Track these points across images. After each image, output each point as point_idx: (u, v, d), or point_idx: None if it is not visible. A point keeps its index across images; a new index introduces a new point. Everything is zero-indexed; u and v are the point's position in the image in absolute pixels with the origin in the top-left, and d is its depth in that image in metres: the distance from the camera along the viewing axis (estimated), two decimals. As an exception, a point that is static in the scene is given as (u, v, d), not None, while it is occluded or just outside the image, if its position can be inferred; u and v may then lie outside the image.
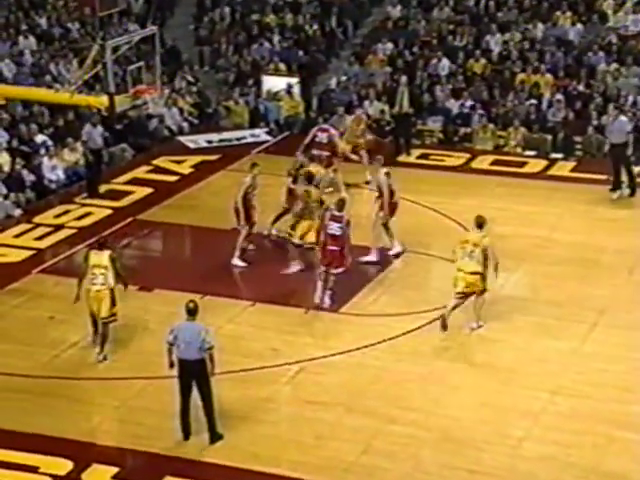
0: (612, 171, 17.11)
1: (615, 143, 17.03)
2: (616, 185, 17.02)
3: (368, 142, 18.10)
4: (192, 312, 10.33)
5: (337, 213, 13.24)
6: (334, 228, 13.21)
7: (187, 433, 10.42)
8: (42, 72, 21.20)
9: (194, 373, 10.24)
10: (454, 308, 12.48)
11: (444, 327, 12.40)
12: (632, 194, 17.00)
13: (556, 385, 11.45)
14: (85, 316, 13.15)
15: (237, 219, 14.33)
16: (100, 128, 17.53)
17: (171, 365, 10.37)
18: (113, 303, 11.78)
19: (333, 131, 16.85)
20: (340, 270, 13.30)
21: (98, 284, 11.68)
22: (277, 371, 11.74)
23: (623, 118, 17.30)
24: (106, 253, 11.82)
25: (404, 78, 19.85)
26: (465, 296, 12.46)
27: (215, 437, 10.43)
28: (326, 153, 16.33)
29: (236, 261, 14.37)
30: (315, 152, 16.19)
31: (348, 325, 12.89)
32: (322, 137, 16.50)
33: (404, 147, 19.45)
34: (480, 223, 12.54)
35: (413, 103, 19.52)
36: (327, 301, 13.21)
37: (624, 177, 17.08)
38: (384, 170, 14.88)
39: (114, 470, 10.06)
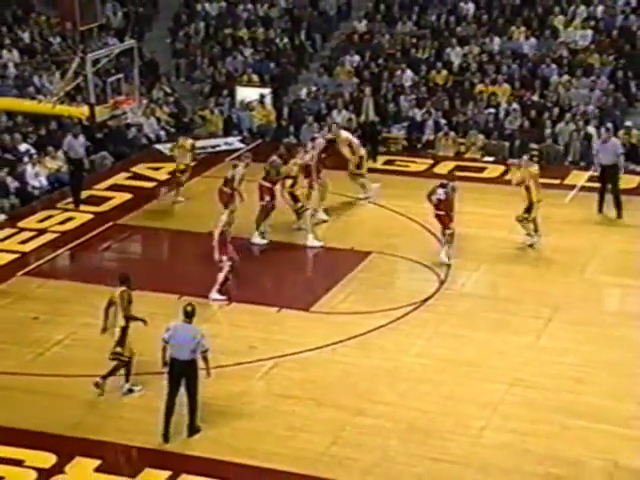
0: (598, 192, 16.42)
1: (605, 165, 16.35)
2: (601, 206, 16.35)
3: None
4: (189, 315, 10.29)
5: (444, 182, 14.56)
6: (440, 193, 14.19)
7: (167, 436, 10.29)
8: (25, 84, 21.02)
9: (184, 373, 10.20)
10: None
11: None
12: (619, 216, 16.19)
13: (514, 377, 11.54)
14: (68, 316, 13.11)
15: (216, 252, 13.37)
16: (82, 139, 17.31)
17: (165, 364, 10.27)
18: (120, 342, 10.96)
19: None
20: (449, 232, 14.32)
21: (115, 321, 11.02)
22: (252, 367, 11.73)
23: (615, 140, 16.62)
24: (119, 290, 11.00)
25: (368, 89, 19.93)
26: None
27: (193, 431, 10.40)
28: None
29: (214, 295, 13.39)
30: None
31: (319, 323, 12.91)
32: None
33: (371, 154, 19.49)
34: None
35: (379, 112, 19.58)
36: (444, 258, 14.31)
37: (609, 198, 16.24)
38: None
39: (97, 463, 10.00)
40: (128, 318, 10.97)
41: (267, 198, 15.23)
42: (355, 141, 17.15)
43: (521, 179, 15.00)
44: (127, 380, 11.16)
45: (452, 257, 14.54)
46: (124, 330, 10.96)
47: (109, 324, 11.08)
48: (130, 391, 11.14)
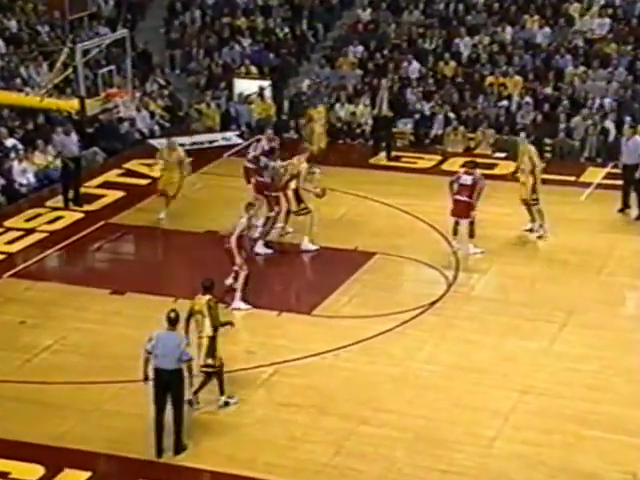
0: (622, 191, 16.56)
1: (627, 164, 16.44)
2: (625, 206, 16.51)
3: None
4: (173, 322, 10.25)
5: (470, 170, 14.74)
6: (466, 179, 14.43)
7: (160, 450, 10.26)
8: (12, 76, 21.03)
9: (169, 383, 10.18)
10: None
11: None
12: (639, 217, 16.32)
13: (526, 385, 11.55)
14: (57, 320, 13.13)
15: (231, 260, 13.27)
16: (74, 136, 17.22)
17: (146, 378, 10.21)
18: (210, 353, 10.76)
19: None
20: (466, 220, 14.46)
21: (198, 332, 10.76)
22: (251, 373, 11.75)
23: (638, 138, 16.55)
24: (205, 298, 10.78)
25: (384, 81, 19.94)
26: None
27: (180, 448, 10.34)
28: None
29: (238, 304, 13.27)
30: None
31: (321, 327, 12.92)
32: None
33: (385, 150, 19.53)
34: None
35: (393, 106, 19.59)
36: (471, 249, 14.67)
37: (633, 198, 16.43)
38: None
39: (86, 475, 10.01)
40: (217, 327, 10.78)
41: (277, 209, 15.15)
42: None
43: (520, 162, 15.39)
44: (222, 392, 11.00)
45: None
46: (212, 340, 10.75)
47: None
48: (226, 404, 11.01)
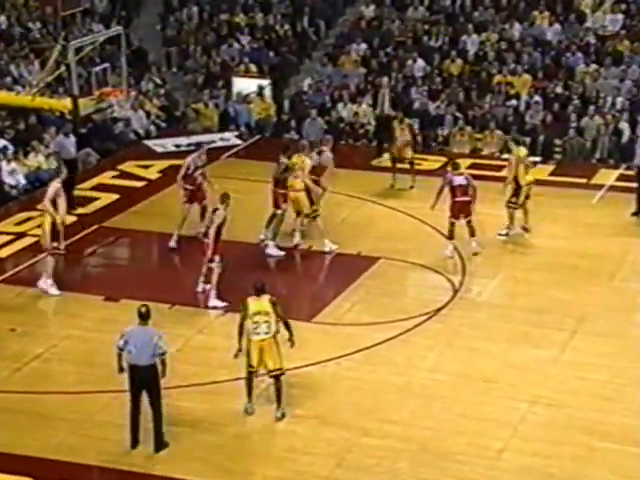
0: (636, 194, 16.49)
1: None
2: (639, 209, 16.45)
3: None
4: (144, 316, 10.37)
5: (456, 171, 14.99)
6: (459, 180, 14.69)
7: (135, 441, 10.44)
8: (2, 74, 21.08)
9: (145, 379, 10.29)
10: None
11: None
12: None
13: (535, 395, 11.55)
14: (48, 328, 13.14)
15: (206, 254, 13.46)
16: (72, 138, 17.22)
17: (121, 370, 10.41)
18: (278, 353, 10.90)
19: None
20: (469, 219, 14.78)
21: (261, 333, 10.79)
22: (249, 383, 11.74)
23: None
24: (266, 298, 10.90)
25: (385, 79, 19.97)
26: None
27: (161, 446, 10.45)
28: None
29: (214, 302, 13.50)
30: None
31: (322, 335, 12.93)
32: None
33: (387, 151, 19.52)
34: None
35: (395, 105, 19.61)
36: (476, 247, 14.85)
37: None
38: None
39: (79, 488, 10.04)
40: (287, 324, 10.97)
41: (284, 206, 15.20)
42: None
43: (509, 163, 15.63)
44: (280, 402, 11.06)
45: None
46: (277, 339, 10.93)
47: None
48: (284, 415, 11.08)
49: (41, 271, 14.07)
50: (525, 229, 15.66)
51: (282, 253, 15.17)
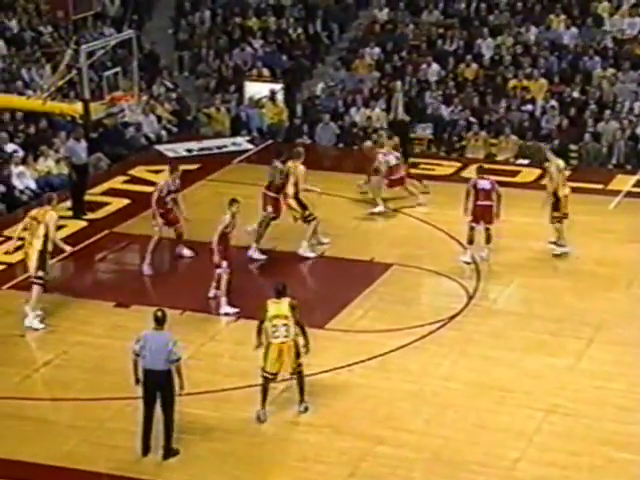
0: None
1: None
2: None
3: None
4: (160, 321, 10.40)
5: (484, 175, 14.98)
6: (483, 184, 14.59)
7: (146, 448, 10.46)
8: (13, 78, 21.19)
9: (159, 384, 10.30)
10: None
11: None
12: None
13: (552, 404, 11.50)
14: (58, 334, 13.17)
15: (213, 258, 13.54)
16: (84, 142, 17.25)
17: (137, 381, 10.39)
18: (297, 355, 11.08)
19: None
20: (488, 226, 14.69)
21: (280, 336, 10.91)
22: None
23: None
24: (286, 301, 11.03)
25: (399, 84, 19.97)
26: None
27: (170, 453, 10.46)
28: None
29: (225, 308, 13.56)
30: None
31: (335, 342, 12.92)
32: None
33: (402, 157, 19.50)
34: None
35: (409, 110, 19.59)
36: (484, 254, 14.87)
37: None
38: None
39: (89, 496, 10.06)
40: (303, 328, 11.07)
41: (270, 209, 15.30)
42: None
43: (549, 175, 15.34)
44: (303, 396, 11.26)
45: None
46: (296, 342, 11.06)
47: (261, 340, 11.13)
48: (306, 409, 11.25)
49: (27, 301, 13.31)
50: (556, 244, 15.44)
51: (264, 257, 15.24)
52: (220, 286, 13.57)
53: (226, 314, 13.52)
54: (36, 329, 13.20)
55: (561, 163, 15.52)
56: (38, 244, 13.27)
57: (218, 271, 13.55)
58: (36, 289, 13.26)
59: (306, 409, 11.23)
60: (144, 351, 10.29)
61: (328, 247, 15.60)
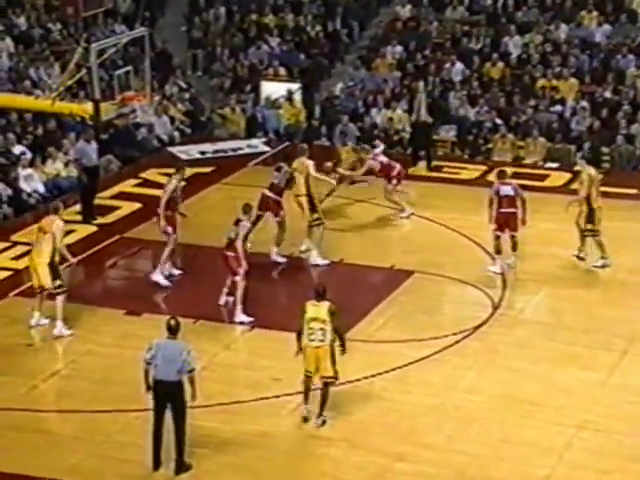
0: None
1: None
2: None
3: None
4: (173, 330, 10.44)
5: (505, 180, 14.94)
6: (506, 189, 14.61)
7: (157, 463, 10.47)
8: (21, 77, 21.34)
9: (170, 395, 10.33)
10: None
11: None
12: None
13: (582, 419, 11.45)
14: (67, 343, 13.23)
15: (232, 269, 13.71)
16: (94, 144, 17.32)
17: (148, 388, 10.46)
18: (334, 362, 11.12)
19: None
20: (514, 233, 14.79)
21: (316, 340, 11.04)
22: (276, 403, 11.75)
23: None
24: (325, 305, 11.12)
25: (421, 84, 19.97)
26: None
27: (182, 467, 10.47)
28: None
29: (241, 317, 13.69)
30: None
31: (353, 352, 12.81)
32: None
33: (425, 160, 19.55)
34: None
35: (432, 112, 19.60)
36: (510, 262, 14.83)
37: None
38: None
39: (98, 511, 10.10)
40: (341, 335, 11.18)
41: (282, 213, 15.39)
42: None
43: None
44: (323, 409, 11.29)
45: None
46: (332, 347, 11.13)
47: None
48: (324, 423, 11.30)
49: (53, 317, 13.37)
50: (580, 258, 15.26)
51: (284, 260, 15.46)
52: (236, 292, 13.60)
53: (241, 323, 13.55)
54: (66, 335, 13.28)
55: (594, 172, 15.23)
56: (46, 257, 13.30)
57: (235, 279, 13.58)
58: (60, 298, 13.33)
59: (323, 422, 11.26)
60: (155, 360, 10.33)
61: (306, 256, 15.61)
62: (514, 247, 15.02)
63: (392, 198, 17.11)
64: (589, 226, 15.03)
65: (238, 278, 13.56)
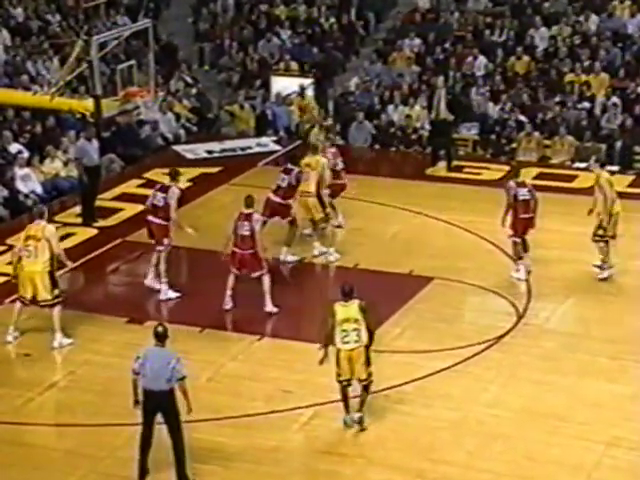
0: None
1: None
2: None
3: None
4: (161, 337, 10.42)
5: (519, 180, 14.93)
6: (523, 193, 14.61)
7: (143, 473, 10.47)
8: (18, 71, 21.46)
9: (160, 406, 10.32)
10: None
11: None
12: None
13: (612, 436, 11.42)
14: (66, 353, 13.29)
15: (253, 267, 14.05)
16: (95, 142, 17.42)
17: (136, 402, 10.44)
18: (368, 362, 11.28)
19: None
20: (526, 236, 14.74)
21: (351, 342, 11.10)
22: (287, 416, 11.77)
23: None
24: (355, 303, 11.21)
25: (441, 79, 20.00)
26: None
27: None
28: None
29: (271, 307, 14.10)
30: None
31: (369, 364, 12.94)
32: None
33: (445, 160, 19.56)
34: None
35: (452, 109, 19.63)
36: (522, 275, 14.84)
37: None
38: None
39: (98, 531, 10.15)
40: (372, 334, 11.28)
41: (292, 211, 15.52)
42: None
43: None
44: (362, 407, 11.45)
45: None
46: (368, 349, 11.25)
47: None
48: (361, 420, 11.44)
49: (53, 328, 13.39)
50: (601, 267, 15.19)
51: (296, 258, 15.68)
52: (264, 289, 13.87)
53: (271, 313, 13.85)
54: (66, 345, 13.34)
55: (611, 177, 15.12)
56: (46, 266, 13.28)
57: (262, 274, 13.83)
58: (57, 309, 13.37)
59: (360, 420, 11.37)
60: (143, 369, 10.30)
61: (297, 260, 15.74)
62: (526, 248, 14.98)
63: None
64: (599, 231, 14.91)
65: (263, 273, 13.77)
